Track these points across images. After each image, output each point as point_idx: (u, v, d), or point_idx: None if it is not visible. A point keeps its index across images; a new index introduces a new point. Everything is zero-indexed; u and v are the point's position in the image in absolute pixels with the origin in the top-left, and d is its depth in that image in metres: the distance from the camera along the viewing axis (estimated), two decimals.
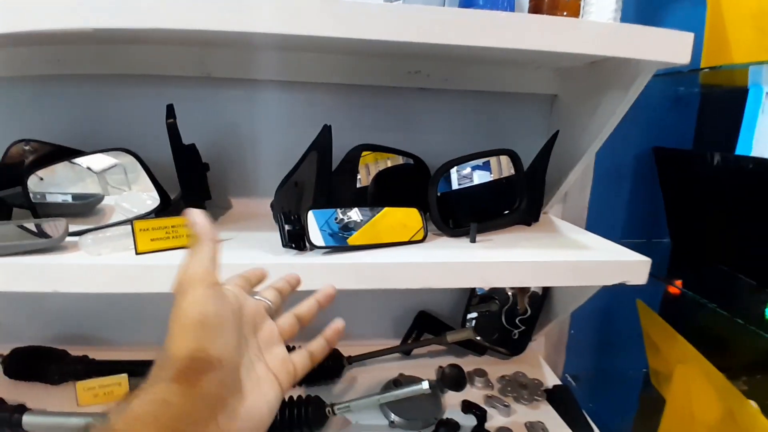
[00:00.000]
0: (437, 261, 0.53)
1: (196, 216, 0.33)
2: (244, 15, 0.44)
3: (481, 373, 0.75)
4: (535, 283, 0.55)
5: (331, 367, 0.72)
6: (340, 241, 0.54)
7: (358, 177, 0.66)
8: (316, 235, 0.52)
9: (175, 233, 0.53)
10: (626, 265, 0.56)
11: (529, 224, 0.71)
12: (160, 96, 0.62)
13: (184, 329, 0.28)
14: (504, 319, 0.79)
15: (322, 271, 0.50)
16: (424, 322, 0.82)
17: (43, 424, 0.61)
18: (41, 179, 0.57)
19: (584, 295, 0.70)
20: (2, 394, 0.66)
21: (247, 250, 0.53)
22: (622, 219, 0.85)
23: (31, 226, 0.53)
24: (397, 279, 0.52)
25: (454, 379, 0.57)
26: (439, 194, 0.63)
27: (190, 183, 0.61)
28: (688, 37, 0.50)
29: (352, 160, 0.63)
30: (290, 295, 0.42)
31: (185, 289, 0.30)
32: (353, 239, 0.55)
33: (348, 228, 0.56)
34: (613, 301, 0.87)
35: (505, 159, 0.67)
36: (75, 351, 0.75)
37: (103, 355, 0.75)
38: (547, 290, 0.79)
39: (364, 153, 0.66)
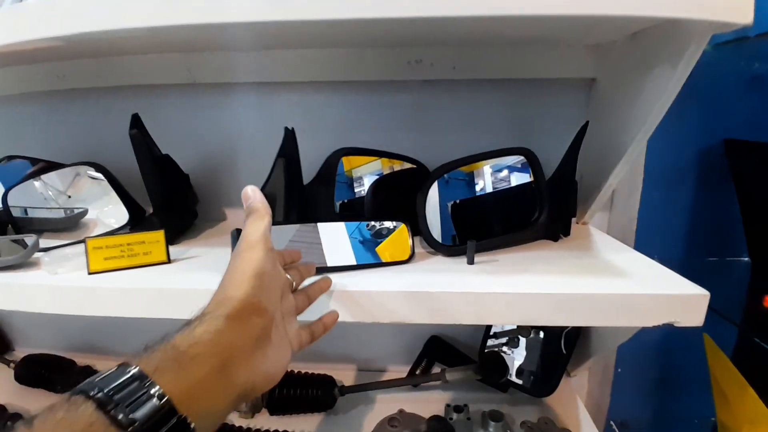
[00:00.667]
0: (413, 289, 0.43)
1: (250, 192, 0.39)
2: (224, 6, 0.39)
3: (497, 416, 0.63)
4: (543, 322, 0.43)
5: (320, 397, 0.64)
6: (370, 250, 0.49)
7: (356, 189, 0.59)
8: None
9: (131, 251, 0.50)
10: (674, 300, 0.42)
11: (555, 239, 0.58)
12: (152, 106, 0.60)
13: (245, 277, 0.33)
14: (530, 353, 0.66)
15: None
16: (436, 349, 0.72)
17: None
18: (19, 194, 0.57)
19: (629, 330, 0.55)
20: (11, 400, 0.68)
21: (201, 272, 0.48)
22: (682, 231, 0.67)
23: (3, 241, 0.53)
24: (359, 310, 0.43)
25: None
26: (441, 210, 0.53)
27: (163, 196, 0.58)
28: None
29: (330, 166, 0.55)
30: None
31: (251, 245, 0.34)
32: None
33: (381, 234, 0.51)
34: (673, 332, 0.69)
35: (518, 161, 0.55)
36: (83, 359, 0.77)
37: (107, 365, 0.76)
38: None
39: (356, 160, 0.58)
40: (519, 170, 0.57)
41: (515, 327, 0.69)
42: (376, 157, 0.59)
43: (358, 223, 0.50)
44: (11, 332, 0.87)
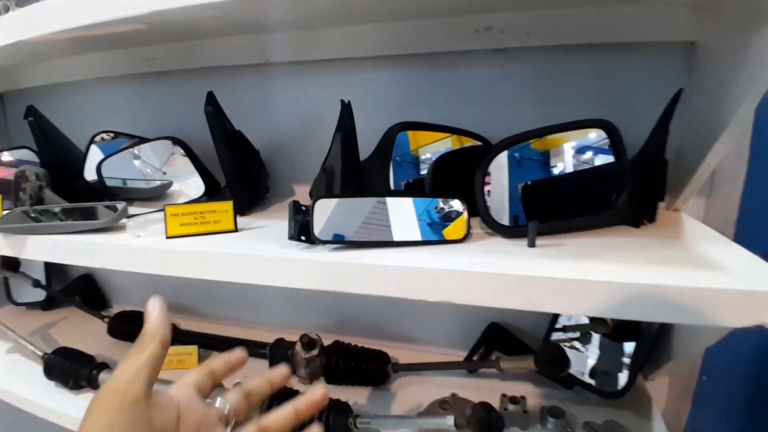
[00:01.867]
0: (462, 270, 0.42)
1: (152, 308, 0.33)
2: None
3: (557, 412, 0.60)
4: (604, 313, 0.39)
5: (374, 372, 0.67)
6: (438, 233, 0.49)
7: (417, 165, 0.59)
8: (327, 228, 0.47)
9: (203, 219, 0.55)
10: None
11: (637, 225, 0.53)
12: (229, 84, 0.65)
13: None
14: (603, 351, 0.62)
15: (321, 270, 0.45)
16: (495, 337, 0.70)
17: None
18: (113, 167, 0.65)
19: (717, 332, 0.49)
20: (102, 351, 0.80)
21: (262, 242, 0.52)
22: None
23: (100, 208, 0.61)
24: (407, 287, 0.44)
25: (483, 423, 0.46)
26: (503, 188, 0.51)
27: (235, 170, 0.63)
28: None
29: (387, 141, 0.55)
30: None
31: (99, 406, 0.28)
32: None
33: (449, 218, 0.50)
34: None
35: (598, 134, 0.51)
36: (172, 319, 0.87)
37: (189, 325, 0.86)
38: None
39: (418, 136, 0.58)
40: (602, 151, 0.53)
41: (588, 321, 0.65)
42: (437, 132, 0.58)
43: (427, 204, 0.50)
44: (111, 291, 1.02)
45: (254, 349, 0.75)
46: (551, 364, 0.50)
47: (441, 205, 0.50)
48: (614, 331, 0.62)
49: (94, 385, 0.72)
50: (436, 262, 0.44)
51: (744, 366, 0.64)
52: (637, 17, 0.56)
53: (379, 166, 0.55)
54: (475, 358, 0.70)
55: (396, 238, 0.48)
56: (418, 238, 0.48)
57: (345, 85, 0.71)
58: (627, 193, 0.50)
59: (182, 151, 0.64)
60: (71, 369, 0.73)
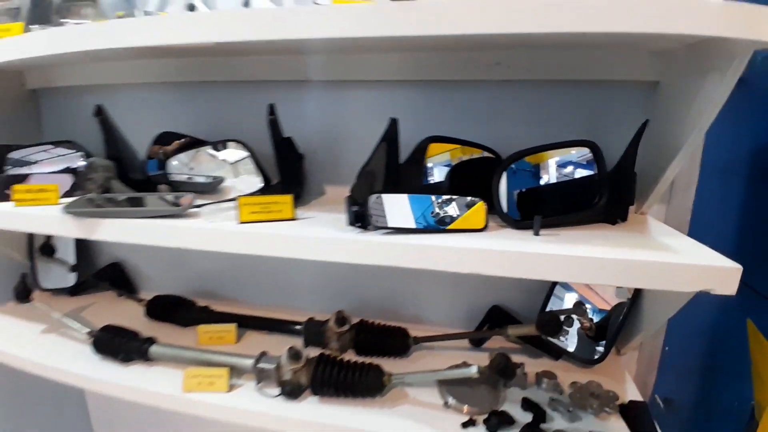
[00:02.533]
0: (489, 248, 0.57)
1: None
2: (337, 23, 0.54)
3: (550, 375, 0.75)
4: (591, 280, 0.54)
5: (397, 344, 0.80)
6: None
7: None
8: (380, 217, 0.61)
9: (269, 209, 0.67)
10: (711, 270, 0.52)
11: (613, 223, 0.69)
12: (268, 98, 0.78)
13: None
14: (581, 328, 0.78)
15: (378, 249, 0.59)
16: (497, 317, 0.85)
17: (165, 353, 0.82)
18: (176, 163, 0.77)
19: (675, 306, 0.65)
20: (142, 330, 0.89)
21: (321, 227, 0.65)
22: (735, 225, 0.75)
23: (167, 197, 0.73)
24: (445, 262, 0.58)
25: (500, 367, 0.61)
26: (512, 194, 0.66)
27: (287, 169, 0.76)
28: None
29: (419, 151, 0.70)
30: None
31: None
32: None
33: (444, 222, 0.63)
34: (722, 320, 0.77)
35: (583, 151, 0.67)
36: (200, 302, 0.98)
37: (221, 308, 0.97)
38: (635, 298, 0.75)
39: (439, 147, 0.73)
40: (583, 166, 0.69)
41: (572, 307, 0.81)
42: (459, 145, 0.73)
43: (423, 209, 0.62)
44: (138, 278, 1.11)
45: (288, 326, 0.87)
46: (549, 326, 0.65)
47: (437, 209, 0.63)
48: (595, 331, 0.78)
49: (145, 357, 0.81)
50: (465, 244, 0.58)
51: (700, 338, 0.81)
52: (614, 60, 0.73)
53: (414, 170, 0.69)
54: None
55: (431, 223, 0.62)
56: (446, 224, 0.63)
57: (372, 103, 0.85)
58: (605, 198, 0.66)
59: (244, 152, 0.76)
60: (121, 343, 0.82)
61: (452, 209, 0.64)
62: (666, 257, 0.54)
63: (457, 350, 0.84)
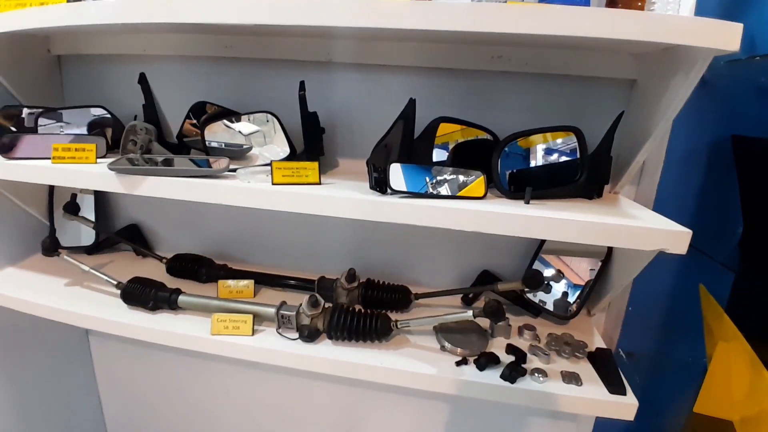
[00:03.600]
0: (489, 211, 0.70)
1: None
2: (362, 13, 0.65)
3: (530, 327, 0.89)
4: (571, 238, 0.68)
5: (400, 299, 0.93)
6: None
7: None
8: (399, 183, 0.73)
9: (298, 174, 0.78)
10: (666, 233, 0.66)
11: (590, 198, 0.83)
12: (294, 76, 0.88)
13: None
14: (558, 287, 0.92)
15: (396, 209, 0.71)
16: (486, 280, 0.99)
17: (192, 302, 0.92)
18: (211, 131, 0.87)
19: (638, 266, 0.79)
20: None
21: (345, 191, 0.76)
22: (692, 206, 0.91)
23: (203, 160, 0.83)
24: (453, 221, 0.70)
25: (492, 309, 0.74)
26: (508, 169, 0.79)
27: (311, 140, 0.87)
28: (737, 27, 0.59)
29: (431, 129, 0.82)
30: None
31: None
32: None
33: (450, 189, 0.75)
34: (679, 286, 0.93)
35: (570, 136, 0.81)
36: (218, 262, 1.08)
37: (238, 267, 1.07)
38: (604, 263, 0.89)
39: (447, 127, 0.85)
40: (566, 152, 0.82)
41: (552, 275, 0.95)
42: (465, 126, 0.85)
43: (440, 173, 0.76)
44: (154, 240, 1.20)
45: (302, 282, 0.99)
46: (534, 280, 0.78)
47: (445, 178, 0.77)
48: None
49: (173, 306, 0.92)
50: (469, 207, 0.71)
51: (660, 299, 0.97)
52: (601, 60, 0.86)
53: (425, 146, 0.81)
54: (471, 295, 0.98)
55: (438, 192, 0.74)
56: (451, 193, 0.75)
57: (386, 86, 0.96)
58: (585, 176, 0.80)
59: (273, 123, 0.86)
60: (150, 293, 0.92)
61: (455, 180, 0.76)
62: (631, 222, 0.68)
63: (451, 307, 0.97)
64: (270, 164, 0.77)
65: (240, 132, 0.88)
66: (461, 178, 0.77)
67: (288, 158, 0.86)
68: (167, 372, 1.35)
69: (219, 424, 1.39)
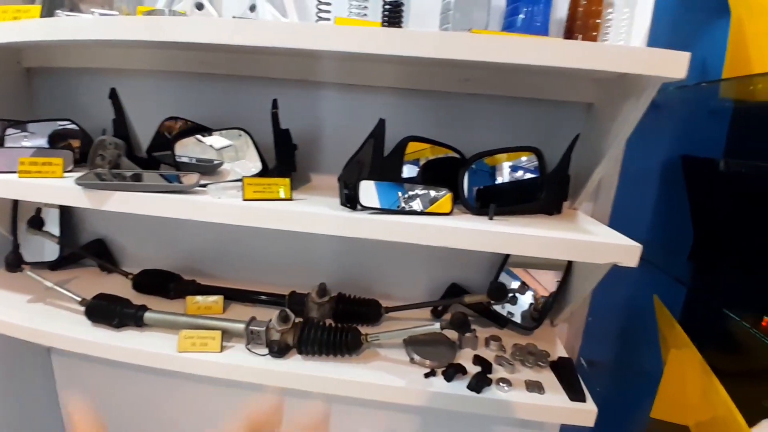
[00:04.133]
0: (455, 227, 0.73)
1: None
2: (333, 39, 0.69)
3: (496, 338, 0.92)
4: (532, 252, 0.71)
5: (370, 313, 0.95)
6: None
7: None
8: (369, 199, 0.75)
9: (270, 189, 0.80)
10: (619, 247, 0.71)
11: (551, 214, 0.88)
12: (269, 93, 0.90)
13: None
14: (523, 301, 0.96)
15: (366, 224, 0.73)
16: (455, 293, 1.02)
17: (159, 319, 0.91)
18: (182, 146, 0.88)
19: (595, 278, 0.84)
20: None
21: (316, 206, 0.78)
22: (646, 221, 0.97)
23: (173, 176, 0.83)
24: (421, 236, 0.73)
25: (458, 322, 0.77)
26: (474, 186, 0.83)
27: (283, 156, 0.88)
28: (684, 56, 0.64)
29: (400, 148, 0.85)
30: None
31: None
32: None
33: (418, 206, 0.78)
34: (636, 297, 0.99)
35: (531, 155, 0.85)
36: (186, 277, 1.08)
37: (208, 282, 1.07)
38: (564, 276, 0.94)
39: (416, 145, 0.88)
40: (529, 169, 0.87)
41: (517, 287, 0.99)
42: (431, 144, 0.89)
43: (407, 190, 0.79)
44: (120, 255, 1.19)
45: (273, 298, 0.99)
46: (498, 292, 0.82)
47: (413, 195, 0.80)
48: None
49: (139, 323, 0.91)
50: (436, 223, 0.74)
51: (617, 309, 1.02)
52: (562, 85, 0.92)
53: (394, 163, 0.84)
54: (440, 308, 1.01)
55: (407, 208, 0.77)
56: (420, 209, 0.78)
57: (357, 104, 0.99)
58: (546, 193, 0.85)
59: (245, 139, 0.88)
60: (115, 310, 0.91)
61: (425, 196, 0.80)
62: (587, 237, 0.72)
63: (421, 320, 1.00)
64: (241, 180, 0.78)
65: (212, 147, 0.89)
66: (431, 193, 0.80)
67: (260, 174, 0.88)
68: (134, 391, 1.31)
69: None
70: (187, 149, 0.89)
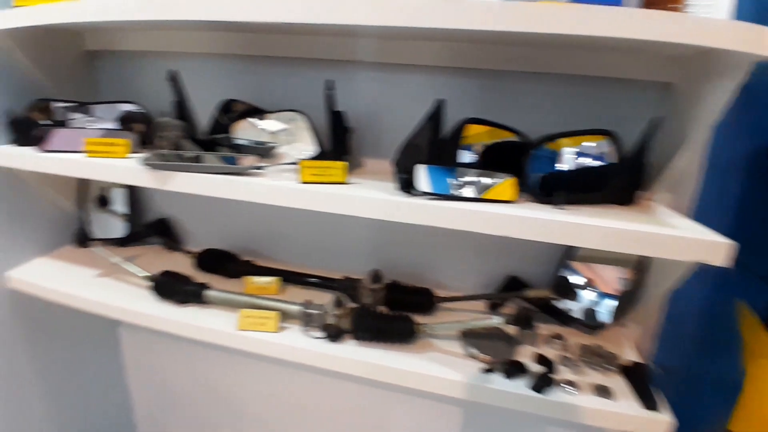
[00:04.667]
0: (514, 215, 0.68)
1: None
2: (388, 11, 0.66)
3: (560, 337, 0.88)
4: (606, 246, 0.66)
5: (424, 302, 0.93)
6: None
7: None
8: (425, 184, 0.72)
9: (326, 173, 0.79)
10: (704, 244, 0.64)
11: (623, 204, 0.81)
12: (323, 75, 0.89)
13: None
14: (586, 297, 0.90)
15: (423, 210, 0.71)
16: (514, 286, 0.98)
17: (220, 297, 0.94)
18: (239, 129, 0.88)
19: (674, 278, 0.77)
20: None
21: (372, 191, 0.76)
22: (731, 215, 0.87)
23: (229, 156, 0.84)
24: (477, 224, 0.69)
25: (523, 318, 0.73)
26: (539, 172, 0.78)
27: (338, 139, 0.87)
28: None
29: (457, 130, 0.81)
30: None
31: None
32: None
33: (478, 192, 0.74)
34: (717, 299, 0.90)
35: (604, 140, 0.79)
36: (242, 257, 1.10)
37: (262, 263, 1.09)
38: (638, 273, 0.87)
39: (474, 128, 0.84)
40: (598, 156, 0.80)
41: (581, 283, 0.93)
42: (491, 127, 0.84)
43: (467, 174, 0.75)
44: (181, 233, 1.23)
45: (326, 281, 1.00)
46: (563, 286, 0.77)
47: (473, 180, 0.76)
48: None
49: (200, 300, 0.94)
50: (496, 210, 0.70)
51: (693, 311, 0.93)
52: (635, 62, 0.84)
53: (451, 147, 0.81)
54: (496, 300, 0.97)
55: (466, 194, 0.74)
56: (479, 195, 0.74)
57: (413, 85, 0.96)
58: (619, 181, 0.78)
59: (302, 121, 0.87)
60: (180, 287, 0.95)
61: (484, 182, 0.75)
62: (668, 231, 0.66)
63: (475, 312, 0.96)
64: (297, 163, 0.78)
65: (267, 130, 0.89)
66: (489, 180, 0.76)
67: (315, 157, 0.87)
68: (195, 364, 1.38)
69: (243, 416, 1.41)
70: (243, 132, 0.90)
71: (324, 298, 0.92)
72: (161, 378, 1.45)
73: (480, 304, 0.98)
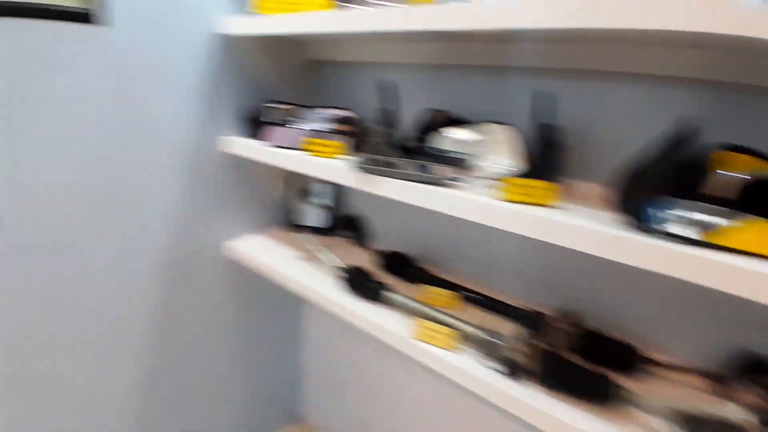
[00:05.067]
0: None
1: None
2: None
3: None
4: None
5: (623, 358, 0.78)
6: None
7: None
8: (661, 220, 0.60)
9: (532, 193, 0.72)
10: None
11: None
12: (531, 84, 0.82)
13: None
14: None
15: (653, 253, 0.59)
16: (753, 367, 0.75)
17: (398, 301, 0.96)
18: (438, 138, 0.88)
19: None
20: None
21: (589, 220, 0.65)
22: None
23: (429, 165, 0.83)
24: (729, 283, 0.54)
25: None
26: None
27: (546, 157, 0.79)
28: None
29: (704, 158, 0.65)
30: None
31: None
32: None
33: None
34: None
35: None
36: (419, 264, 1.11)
37: (436, 272, 1.09)
38: None
39: (728, 156, 0.67)
40: None
41: None
42: (755, 158, 0.65)
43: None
44: (370, 231, 1.31)
45: (505, 307, 0.93)
46: None
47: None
48: None
49: (380, 299, 0.98)
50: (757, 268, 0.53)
51: None
52: None
53: (699, 177, 0.65)
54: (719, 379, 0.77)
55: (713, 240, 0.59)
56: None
57: (638, 99, 0.82)
58: None
59: (506, 134, 0.83)
60: (369, 284, 1.00)
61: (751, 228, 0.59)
62: None
63: (692, 389, 0.77)
64: (498, 178, 0.73)
65: (462, 141, 0.87)
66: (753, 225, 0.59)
67: (520, 175, 0.81)
68: (366, 356, 1.44)
69: (398, 421, 1.42)
70: (443, 141, 0.89)
71: (496, 322, 0.85)
72: (333, 361, 1.56)
73: (695, 379, 0.78)
